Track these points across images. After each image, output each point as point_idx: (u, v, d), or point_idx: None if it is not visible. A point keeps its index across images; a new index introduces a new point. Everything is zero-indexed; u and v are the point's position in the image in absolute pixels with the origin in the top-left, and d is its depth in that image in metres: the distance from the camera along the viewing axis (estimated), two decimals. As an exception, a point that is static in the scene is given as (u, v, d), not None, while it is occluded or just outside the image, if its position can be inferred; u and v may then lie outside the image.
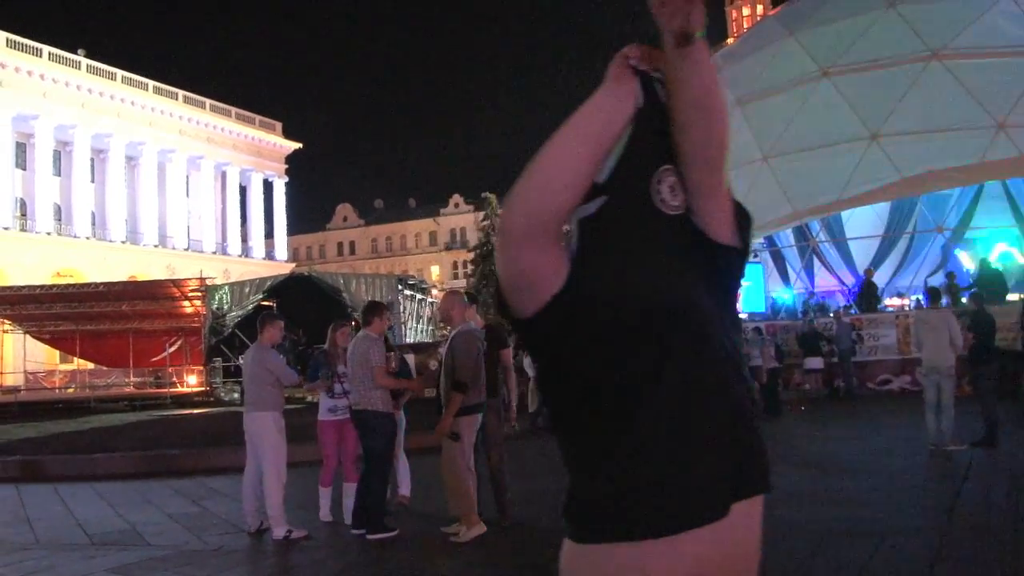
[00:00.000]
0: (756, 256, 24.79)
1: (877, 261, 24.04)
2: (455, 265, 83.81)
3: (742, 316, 20.35)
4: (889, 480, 8.44)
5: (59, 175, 51.31)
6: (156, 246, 54.75)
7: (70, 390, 34.44)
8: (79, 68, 51.02)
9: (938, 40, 19.23)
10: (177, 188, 57.53)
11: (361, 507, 7.08)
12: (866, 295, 20.61)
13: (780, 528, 6.35)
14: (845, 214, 22.52)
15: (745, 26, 60.26)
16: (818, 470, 9.11)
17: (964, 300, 16.61)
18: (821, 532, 6.16)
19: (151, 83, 55.88)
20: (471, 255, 71.69)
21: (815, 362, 17.83)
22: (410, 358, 10.63)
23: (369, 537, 6.89)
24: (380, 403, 7.11)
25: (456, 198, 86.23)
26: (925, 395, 10.40)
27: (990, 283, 18.64)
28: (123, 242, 52.77)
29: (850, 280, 24.64)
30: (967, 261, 22.25)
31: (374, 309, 7.56)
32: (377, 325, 7.34)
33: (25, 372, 35.44)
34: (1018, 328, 15.99)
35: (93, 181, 52.94)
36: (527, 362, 16.34)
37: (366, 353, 7.10)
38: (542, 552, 6.24)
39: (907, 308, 20.45)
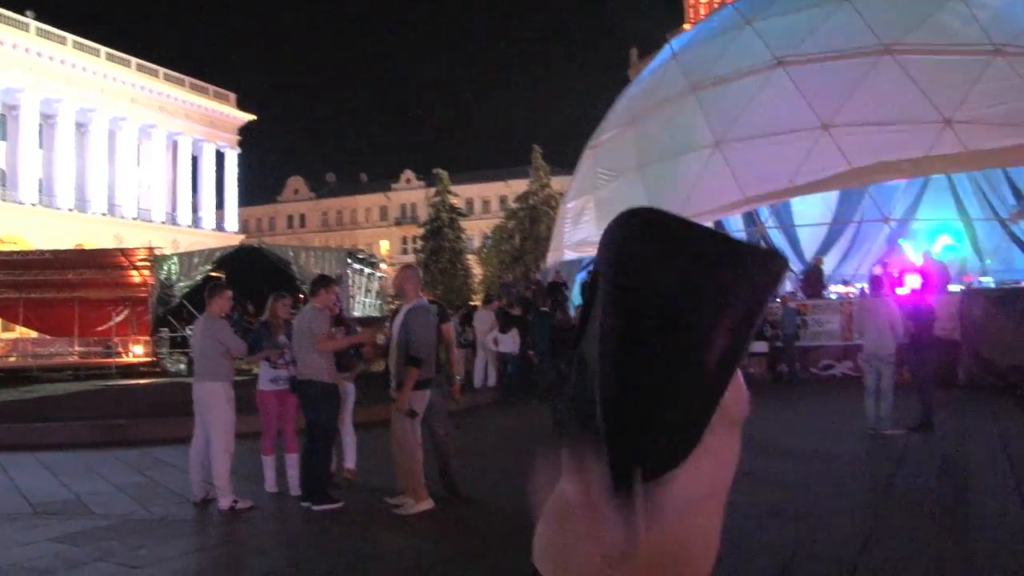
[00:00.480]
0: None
1: (824, 249, 24.50)
2: (405, 240, 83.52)
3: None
4: (828, 462, 8.69)
5: (5, 140, 50.08)
6: (104, 214, 53.73)
7: (11, 359, 33.72)
8: (27, 31, 49.68)
9: (890, 35, 19.55)
10: (128, 156, 56.44)
11: (307, 478, 7.13)
12: (813, 282, 21.05)
13: (725, 508, 6.53)
14: (794, 201, 22.90)
15: (702, 12, 60.58)
16: (758, 453, 9.30)
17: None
18: (760, 513, 6.33)
19: (103, 49, 54.63)
20: (421, 231, 71.53)
21: (760, 346, 18.17)
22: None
23: (315, 508, 6.95)
24: (325, 374, 7.16)
25: (408, 174, 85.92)
26: (865, 381, 10.72)
27: (933, 273, 19.17)
28: (70, 210, 51.67)
29: (797, 267, 25.10)
30: (911, 252, 22.79)
31: (320, 282, 7.64)
32: (322, 297, 7.42)
33: (-36, 340, 34.66)
34: (957, 318, 16.50)
35: (41, 147, 51.68)
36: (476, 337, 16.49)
37: (310, 323, 7.17)
38: (486, 526, 6.35)
39: (852, 296, 20.89)
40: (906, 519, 6.28)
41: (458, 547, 5.97)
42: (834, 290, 22.86)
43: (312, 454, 7.14)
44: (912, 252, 22.60)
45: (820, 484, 7.57)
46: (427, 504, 6.78)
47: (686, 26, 59.08)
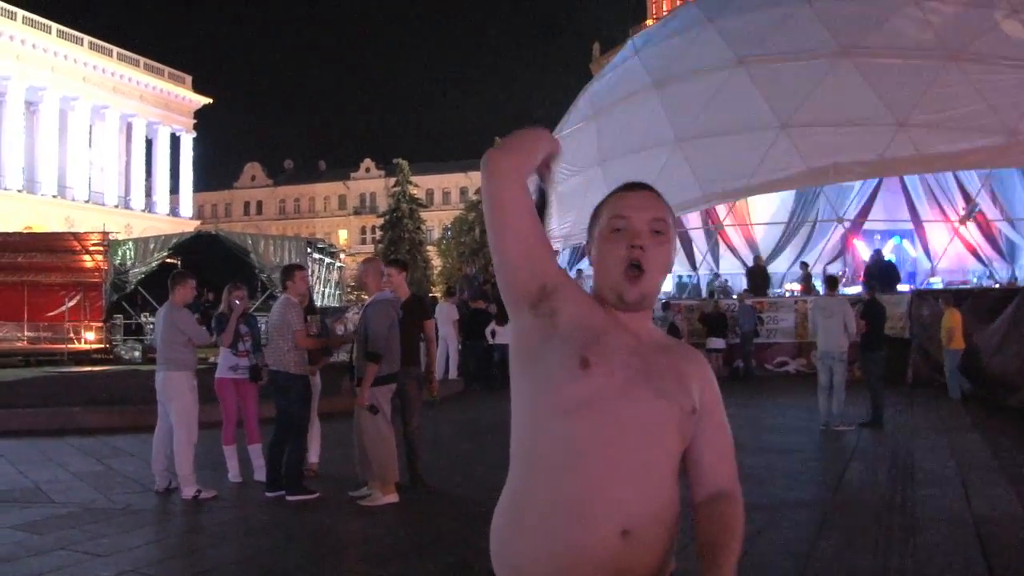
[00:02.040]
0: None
1: (780, 247, 24.92)
2: (364, 230, 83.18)
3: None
4: (781, 457, 8.92)
5: (-49, 118, 48.86)
6: (55, 197, 52.65)
7: (-43, 343, 33.05)
8: (-26, 6, 48.56)
9: (848, 38, 19.92)
10: (79, 138, 55.34)
11: (273, 469, 7.15)
12: (757, 282, 21.46)
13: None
14: (751, 199, 23.26)
15: (665, 9, 60.97)
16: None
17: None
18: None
19: (55, 26, 53.45)
20: (380, 221, 71.25)
21: (718, 342, 18.48)
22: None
23: (289, 499, 6.97)
24: (293, 365, 7.19)
25: (367, 162, 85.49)
26: (818, 378, 10.99)
27: (883, 274, 19.61)
28: (19, 191, 50.56)
29: (752, 264, 25.48)
30: (863, 252, 23.26)
31: (288, 272, 7.62)
32: (292, 288, 7.41)
33: (-93, 323, 33.80)
34: (907, 318, 16.92)
35: (-12, 126, 50.56)
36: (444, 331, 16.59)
37: (284, 317, 7.18)
38: (452, 518, 6.44)
39: (802, 293, 21.27)
40: (857, 515, 6.49)
41: (421, 536, 6.04)
42: (788, 288, 23.30)
43: (282, 444, 7.15)
44: (864, 252, 23.10)
45: (774, 477, 7.78)
46: (393, 498, 6.84)
47: (649, 22, 59.36)
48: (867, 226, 23.54)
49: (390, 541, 5.99)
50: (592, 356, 1.60)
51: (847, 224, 22.66)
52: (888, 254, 21.94)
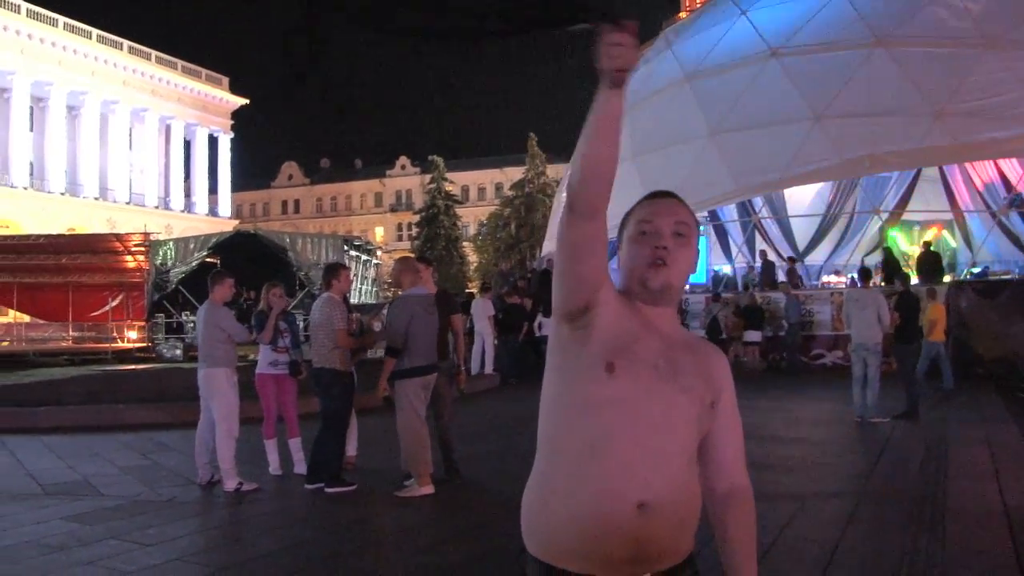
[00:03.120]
0: (699, 229, 25.39)
1: (816, 239, 24.78)
2: (400, 227, 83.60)
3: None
4: (813, 449, 8.95)
5: (-4, 122, 49.91)
6: (97, 199, 53.68)
7: (5, 343, 33.78)
8: (19, 13, 49.47)
9: (883, 27, 19.70)
10: (120, 140, 56.34)
11: (316, 462, 7.33)
12: (764, 275, 21.42)
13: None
14: (788, 192, 23.12)
15: (698, 2, 60.61)
16: (750, 439, 9.48)
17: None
18: (748, 495, 6.56)
19: (95, 31, 54.43)
20: (416, 217, 71.60)
21: (755, 335, 18.44)
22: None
23: (328, 490, 7.14)
24: (339, 362, 7.37)
25: (403, 160, 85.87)
26: (852, 369, 10.96)
27: (929, 266, 19.43)
28: (62, 194, 51.58)
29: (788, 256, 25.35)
30: (904, 243, 23.06)
31: (332, 271, 7.79)
32: (336, 287, 7.60)
33: (-42, 325, 34.71)
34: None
35: (32, 130, 51.56)
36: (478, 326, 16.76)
37: (329, 316, 7.36)
38: (486, 508, 6.57)
39: (843, 286, 21.14)
40: (888, 505, 6.51)
41: (456, 525, 6.18)
42: (826, 280, 23.18)
43: (324, 439, 7.34)
44: (905, 243, 22.91)
45: (804, 468, 7.82)
46: (428, 489, 6.98)
47: (682, 15, 59.09)
48: (906, 217, 23.33)
49: (425, 530, 6.13)
50: (619, 361, 1.78)
51: (884, 215, 22.46)
52: (928, 245, 21.71)
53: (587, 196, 1.72)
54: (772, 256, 24.72)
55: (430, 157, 70.15)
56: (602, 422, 1.75)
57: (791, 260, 22.19)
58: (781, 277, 22.78)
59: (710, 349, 1.95)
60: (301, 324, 15.73)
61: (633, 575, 1.73)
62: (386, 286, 36.64)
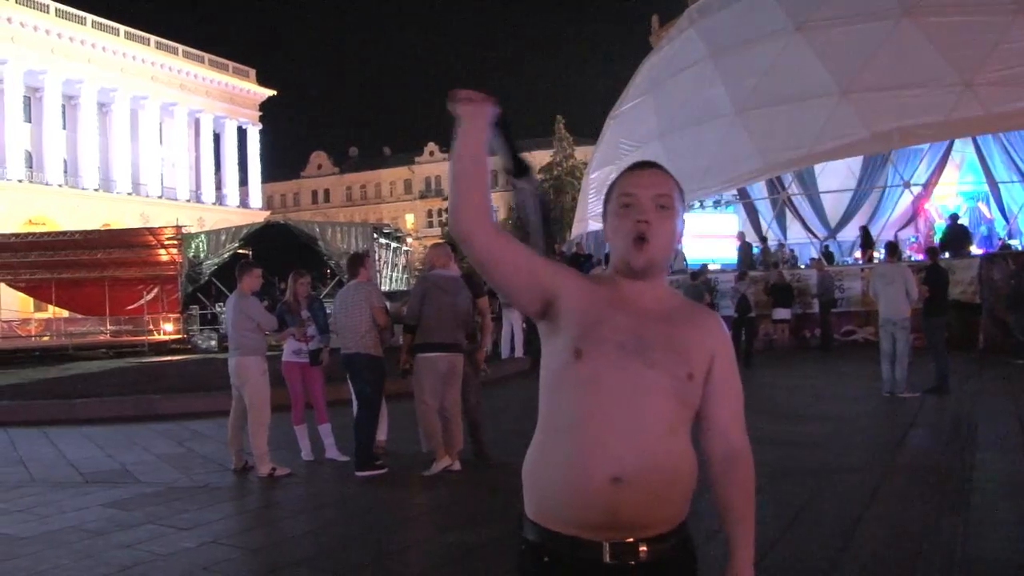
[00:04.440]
0: (728, 208, 25.27)
1: (848, 215, 24.57)
2: (430, 213, 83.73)
3: (714, 267, 20.90)
4: (841, 424, 8.95)
5: (30, 122, 50.51)
6: (129, 194, 54.33)
7: (45, 338, 34.48)
8: (48, 12, 50.08)
9: (911, -2, 19.46)
10: (150, 135, 56.93)
11: (358, 446, 7.48)
12: (742, 258, 21.40)
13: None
14: (818, 168, 22.94)
15: (723, -23, 59.93)
16: (774, 415, 9.56)
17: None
18: (770, 472, 6.59)
19: (122, 28, 54.96)
20: (446, 203, 71.55)
21: (783, 312, 18.36)
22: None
23: (358, 474, 7.27)
24: (372, 347, 7.51)
25: (431, 146, 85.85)
26: (881, 345, 10.92)
27: (957, 238, 19.23)
28: (96, 190, 52.29)
29: (822, 233, 25.16)
30: (936, 216, 22.79)
31: (357, 260, 7.94)
32: (363, 274, 7.74)
33: (0, 321, 35.40)
34: (976, 281, 16.57)
35: (64, 128, 52.29)
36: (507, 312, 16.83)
37: (367, 297, 7.51)
38: (513, 490, 6.65)
39: (874, 261, 20.98)
40: (913, 479, 6.52)
41: (483, 506, 6.27)
42: (856, 256, 23.00)
43: (360, 423, 7.49)
44: (937, 216, 22.63)
45: (830, 444, 7.83)
46: (445, 462, 7.12)
47: (706, -9, 58.51)
48: (938, 190, 23.06)
49: (454, 511, 6.24)
50: (584, 346, 1.83)
51: (916, 189, 22.21)
52: (962, 217, 21.46)
53: (453, 225, 1.92)
54: (803, 233, 24.60)
55: (458, 143, 70.14)
56: (575, 401, 1.82)
57: (741, 235, 22.06)
58: (814, 254, 22.67)
59: (694, 318, 1.94)
60: (330, 312, 15.90)
61: (615, 539, 1.78)
62: (416, 272, 36.80)
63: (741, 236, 22.42)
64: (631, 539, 1.79)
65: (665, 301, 1.94)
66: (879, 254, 21.80)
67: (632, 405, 1.79)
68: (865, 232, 21.78)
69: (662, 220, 1.87)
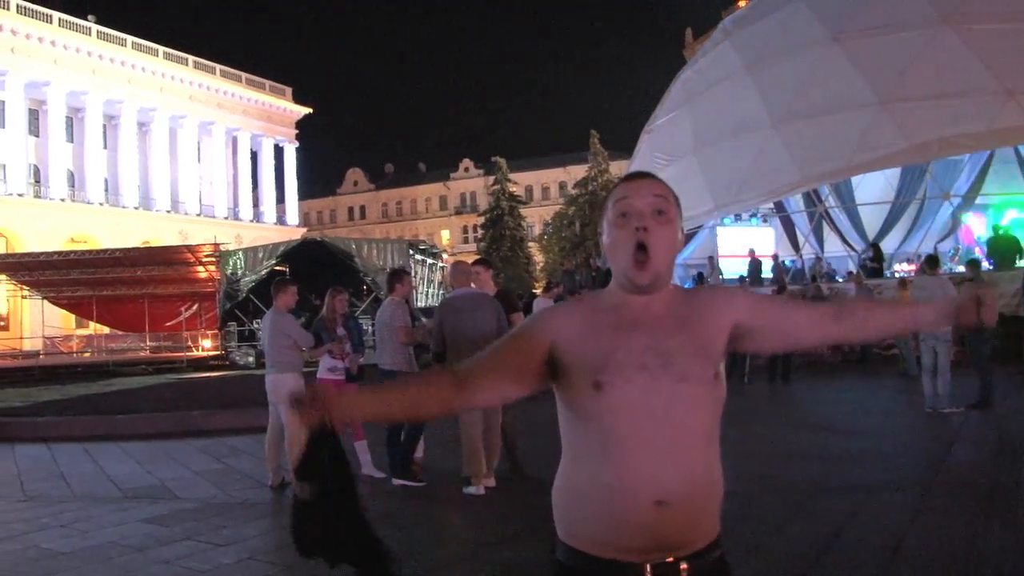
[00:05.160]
0: (765, 221, 25.06)
1: (886, 227, 24.23)
2: (465, 229, 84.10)
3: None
4: (882, 440, 8.79)
5: (72, 142, 51.57)
6: (168, 212, 55.13)
7: (87, 354, 35.01)
8: (89, 34, 51.11)
9: (948, 5, 19.20)
10: (188, 154, 57.77)
11: (391, 454, 7.50)
12: (750, 273, 21.22)
13: (771, 483, 6.71)
14: (855, 180, 22.65)
15: (757, -11, 59.67)
16: (815, 430, 9.44)
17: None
18: (810, 488, 6.51)
19: (161, 49, 55.91)
20: (481, 219, 71.94)
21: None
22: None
23: (394, 480, 7.28)
24: (403, 364, 7.54)
25: (466, 162, 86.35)
26: (922, 359, 10.73)
27: (1004, 249, 18.86)
28: (136, 208, 53.13)
29: (859, 246, 24.85)
30: (978, 227, 22.40)
31: (396, 276, 8.01)
32: (399, 291, 7.79)
33: (43, 337, 35.99)
34: (1021, 294, 16.25)
35: (105, 147, 53.23)
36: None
37: (391, 317, 7.56)
38: (548, 506, 6.60)
39: (913, 274, 20.67)
40: (956, 496, 6.37)
41: (517, 523, 6.21)
42: (897, 269, 22.66)
43: (395, 435, 7.51)
44: (979, 227, 22.24)
45: (871, 460, 7.70)
46: (478, 489, 7.09)
47: (741, 3, 58.31)
48: (980, 200, 22.68)
49: (490, 528, 6.20)
50: (604, 377, 1.78)
51: (956, 200, 21.87)
52: (1004, 228, 21.06)
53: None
54: (841, 246, 24.30)
55: (493, 159, 70.46)
56: (604, 429, 1.78)
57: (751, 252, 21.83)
58: (851, 267, 22.38)
59: (703, 302, 1.91)
60: (368, 329, 15.97)
61: (653, 560, 1.75)
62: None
63: (752, 252, 22.30)
64: (671, 558, 1.76)
65: (675, 303, 1.89)
66: (908, 268, 21.51)
67: (668, 424, 1.76)
68: (876, 249, 21.46)
69: (660, 226, 1.83)
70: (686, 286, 1.82)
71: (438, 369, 2.10)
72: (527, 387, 1.92)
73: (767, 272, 21.95)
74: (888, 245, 24.34)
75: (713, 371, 1.81)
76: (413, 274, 26.11)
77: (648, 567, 1.75)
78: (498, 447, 7.42)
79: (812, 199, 23.50)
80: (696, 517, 1.77)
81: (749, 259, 22.00)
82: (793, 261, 24.28)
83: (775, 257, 22.20)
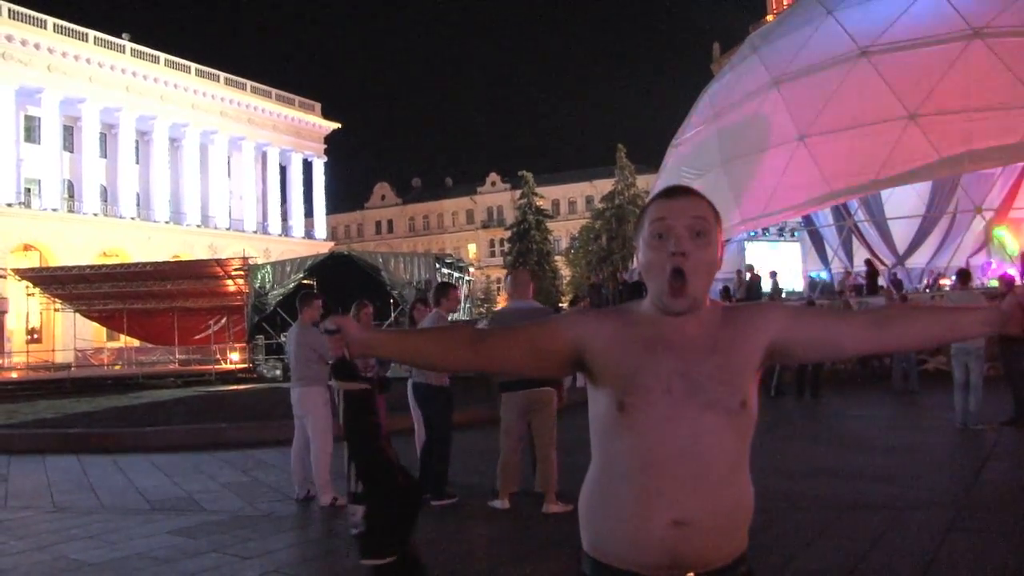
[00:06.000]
0: (793, 235, 24.90)
1: (916, 242, 24.02)
2: (492, 243, 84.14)
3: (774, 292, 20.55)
4: (913, 457, 8.66)
5: (105, 157, 52.31)
6: (199, 226, 55.65)
7: (117, 367, 35.34)
8: (123, 52, 51.83)
9: (979, 18, 19.06)
10: (219, 169, 58.35)
11: (423, 474, 7.44)
12: (868, 282, 20.83)
13: (800, 501, 6.63)
14: (884, 194, 22.48)
15: (784, 4, 59.59)
16: (844, 447, 9.34)
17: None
18: (841, 505, 6.43)
19: (193, 66, 56.61)
20: (508, 233, 72.01)
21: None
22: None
23: (434, 503, 7.23)
24: (434, 377, 7.54)
25: (493, 176, 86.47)
26: (954, 375, 10.59)
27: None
28: (167, 222, 53.71)
29: (890, 261, 24.62)
30: (1010, 242, 22.15)
31: (442, 290, 7.98)
32: (445, 305, 7.80)
33: (75, 350, 36.39)
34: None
35: (138, 163, 53.87)
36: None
37: None
38: (574, 521, 6.56)
39: (945, 289, 20.44)
40: (989, 514, 6.26)
41: (544, 537, 6.20)
42: (926, 283, 22.44)
43: (430, 451, 7.50)
44: (1010, 243, 21.98)
45: (901, 478, 7.59)
46: (501, 504, 7.04)
47: (768, 18, 58.14)
48: (1012, 214, 22.42)
49: (516, 543, 6.18)
50: (628, 398, 1.77)
51: (987, 214, 21.64)
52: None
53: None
54: (870, 258, 24.10)
55: (520, 173, 70.51)
56: (627, 452, 1.77)
57: (750, 268, 21.53)
58: (882, 282, 22.18)
59: (741, 326, 1.85)
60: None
61: (673, 575, 1.75)
62: (479, 302, 36.94)
63: (869, 263, 22.01)
64: (690, 574, 1.75)
65: (711, 324, 1.84)
66: (942, 282, 21.22)
67: (691, 452, 1.74)
68: (871, 268, 21.19)
69: (699, 249, 1.77)
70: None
71: (460, 325, 2.13)
72: (540, 368, 1.97)
73: (767, 289, 21.68)
74: (919, 259, 24.13)
75: (741, 399, 1.78)
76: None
77: None
78: (550, 474, 7.08)
79: (841, 213, 23.35)
80: (717, 538, 1.76)
81: (866, 268, 21.74)
82: (819, 275, 24.12)
83: (772, 275, 21.87)
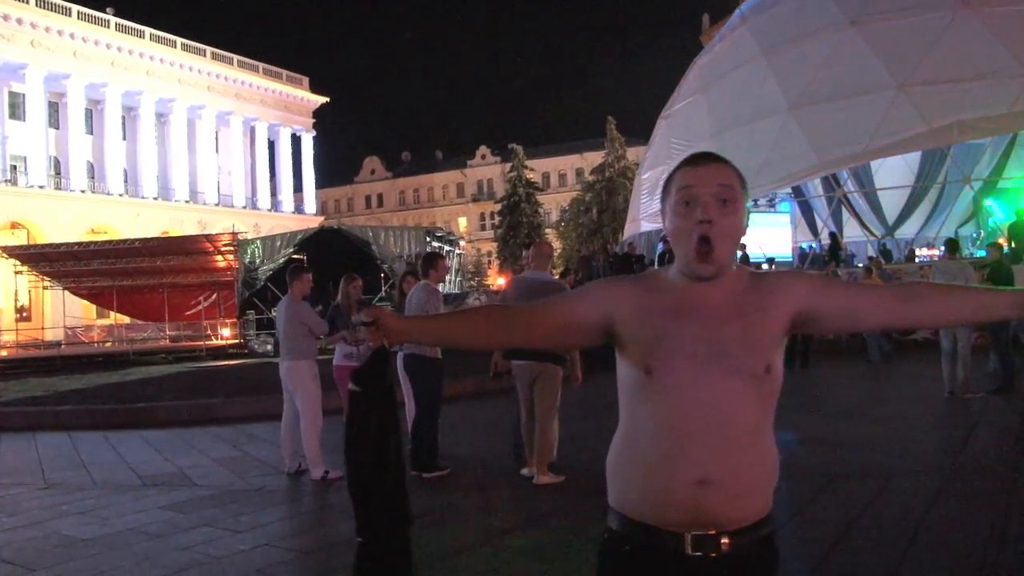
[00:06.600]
0: (773, 206, 24.90)
1: (906, 212, 24.07)
2: (482, 216, 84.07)
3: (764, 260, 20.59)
4: (902, 426, 8.73)
5: (91, 133, 51.83)
6: (187, 202, 55.34)
7: (108, 344, 35.21)
8: (108, 27, 51.24)
9: (969, -12, 18.99)
10: (207, 144, 57.94)
11: (415, 448, 7.46)
12: (830, 253, 20.81)
13: (788, 470, 6.67)
14: (874, 164, 22.49)
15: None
16: (834, 417, 9.39)
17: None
18: (830, 474, 6.48)
19: (179, 40, 56.03)
20: (498, 206, 71.91)
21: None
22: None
23: (426, 476, 7.25)
24: (427, 349, 7.51)
25: (483, 149, 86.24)
26: (941, 344, 10.64)
27: (1022, 234, 18.66)
28: (155, 198, 53.35)
29: (880, 232, 24.68)
30: (998, 211, 22.20)
31: (430, 260, 7.93)
32: (434, 276, 7.75)
33: (64, 327, 36.26)
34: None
35: (125, 139, 53.41)
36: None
37: (425, 301, 7.48)
38: (569, 492, 6.59)
39: (934, 259, 20.50)
40: (977, 482, 6.32)
41: (544, 507, 6.20)
42: (918, 253, 22.51)
43: (420, 425, 7.50)
44: (999, 212, 22.04)
45: (889, 446, 7.65)
46: (548, 477, 6.91)
47: (758, -12, 57.81)
48: (1002, 184, 22.45)
49: (507, 513, 6.21)
50: (654, 363, 1.81)
51: (977, 184, 21.67)
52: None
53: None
54: (860, 231, 24.15)
55: (510, 146, 70.27)
56: (653, 413, 1.82)
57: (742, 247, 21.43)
58: (872, 252, 22.23)
59: (767, 292, 1.87)
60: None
61: (694, 532, 1.79)
62: (469, 275, 36.94)
63: (833, 236, 22.01)
64: (713, 531, 1.79)
65: (735, 290, 1.87)
66: (928, 252, 21.27)
67: (714, 416, 1.77)
68: (834, 240, 21.18)
69: (725, 217, 1.80)
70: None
71: (489, 305, 2.18)
72: (574, 340, 2.03)
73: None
74: (908, 229, 24.20)
75: (765, 364, 1.81)
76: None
77: (688, 536, 1.78)
78: (546, 447, 7.04)
79: (831, 184, 23.36)
80: (740, 498, 1.79)
81: (829, 241, 21.70)
82: (811, 245, 24.17)
83: (743, 247, 21.81)
